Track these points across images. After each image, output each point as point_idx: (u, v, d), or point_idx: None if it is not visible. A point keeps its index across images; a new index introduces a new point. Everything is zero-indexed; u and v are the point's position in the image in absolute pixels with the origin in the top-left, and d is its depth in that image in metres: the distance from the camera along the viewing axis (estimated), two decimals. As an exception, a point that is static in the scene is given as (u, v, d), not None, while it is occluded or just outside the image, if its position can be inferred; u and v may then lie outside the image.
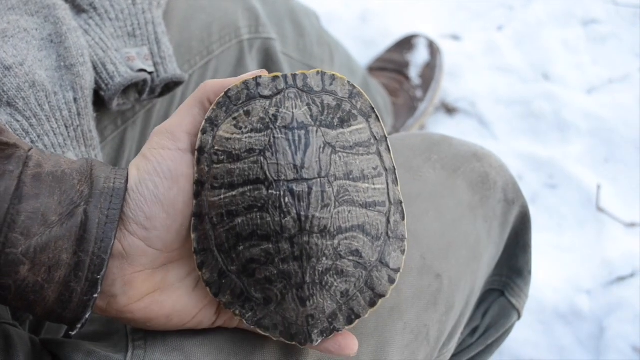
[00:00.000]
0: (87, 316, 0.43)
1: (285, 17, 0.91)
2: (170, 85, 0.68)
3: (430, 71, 1.33)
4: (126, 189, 0.44)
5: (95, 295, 0.42)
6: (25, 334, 0.50)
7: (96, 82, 0.62)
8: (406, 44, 1.35)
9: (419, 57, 1.33)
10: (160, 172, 0.44)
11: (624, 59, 1.36)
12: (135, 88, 0.66)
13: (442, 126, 1.34)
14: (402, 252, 0.47)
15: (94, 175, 0.44)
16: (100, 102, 0.64)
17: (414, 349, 0.53)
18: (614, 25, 1.40)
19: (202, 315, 0.48)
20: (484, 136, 1.32)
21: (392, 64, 1.33)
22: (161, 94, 0.68)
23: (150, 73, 0.65)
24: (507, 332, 0.71)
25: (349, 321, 0.47)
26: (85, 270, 0.42)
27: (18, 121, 0.55)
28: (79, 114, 0.59)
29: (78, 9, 0.66)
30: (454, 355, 0.70)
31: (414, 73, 1.32)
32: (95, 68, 0.62)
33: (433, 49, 1.35)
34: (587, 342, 1.08)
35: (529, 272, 0.69)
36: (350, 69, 1.11)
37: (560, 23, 1.42)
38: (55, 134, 0.57)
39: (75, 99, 0.59)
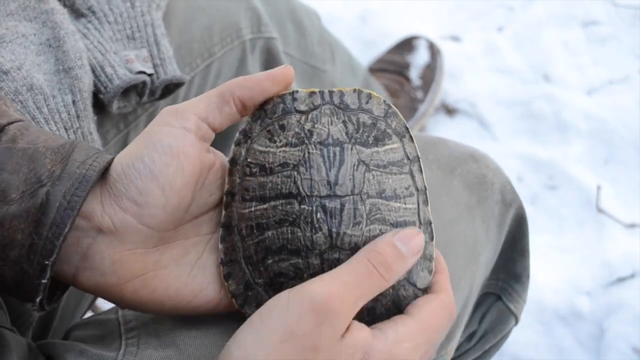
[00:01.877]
0: (37, 300, 0.41)
1: (287, 16, 0.91)
2: (171, 87, 0.68)
3: (430, 72, 1.33)
4: (100, 177, 0.42)
5: (44, 281, 0.41)
6: (23, 339, 0.49)
7: (95, 85, 0.63)
8: (407, 45, 1.36)
9: (419, 58, 1.33)
10: (159, 148, 0.42)
11: (624, 60, 1.36)
12: (136, 90, 0.66)
13: (443, 127, 1.35)
14: (430, 272, 0.47)
15: (71, 158, 0.42)
16: (102, 105, 0.64)
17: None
18: (614, 27, 1.40)
19: (198, 301, 0.46)
20: (484, 137, 1.32)
21: (393, 65, 1.34)
22: (162, 96, 0.68)
23: (149, 75, 0.65)
24: (504, 337, 0.71)
25: None
26: (37, 254, 0.40)
27: (17, 124, 0.56)
28: (78, 117, 0.59)
29: (77, 14, 0.66)
30: (451, 360, 0.70)
31: (414, 74, 1.32)
32: (94, 71, 0.63)
33: (433, 50, 1.35)
34: (588, 343, 1.08)
35: (527, 277, 0.68)
36: (351, 68, 1.11)
37: (560, 24, 1.42)
38: (54, 137, 0.57)
39: (74, 102, 0.59)
